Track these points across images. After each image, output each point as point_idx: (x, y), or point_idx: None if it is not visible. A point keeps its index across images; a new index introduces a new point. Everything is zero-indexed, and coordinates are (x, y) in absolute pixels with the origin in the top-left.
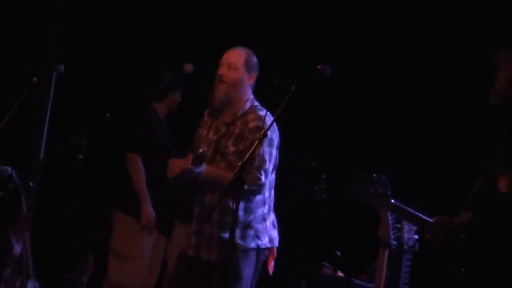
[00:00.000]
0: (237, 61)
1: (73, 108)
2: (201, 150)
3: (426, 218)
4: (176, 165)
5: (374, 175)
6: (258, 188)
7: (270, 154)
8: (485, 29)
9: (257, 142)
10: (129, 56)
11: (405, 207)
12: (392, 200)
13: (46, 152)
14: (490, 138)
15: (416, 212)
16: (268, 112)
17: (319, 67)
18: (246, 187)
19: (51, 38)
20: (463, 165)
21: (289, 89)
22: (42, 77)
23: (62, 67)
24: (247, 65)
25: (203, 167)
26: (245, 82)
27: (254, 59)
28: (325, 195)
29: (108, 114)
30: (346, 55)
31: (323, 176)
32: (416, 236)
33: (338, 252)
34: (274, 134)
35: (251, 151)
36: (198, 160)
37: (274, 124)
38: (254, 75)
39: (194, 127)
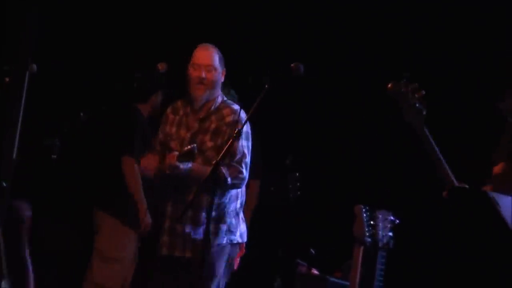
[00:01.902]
0: (213, 62)
1: (46, 108)
2: (189, 147)
3: (451, 174)
4: (151, 163)
5: (417, 83)
6: (241, 181)
7: (248, 147)
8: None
9: (231, 138)
10: (103, 56)
11: (436, 147)
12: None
13: (19, 152)
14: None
15: (444, 161)
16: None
17: (292, 65)
18: (229, 181)
19: (23, 38)
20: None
21: (263, 87)
22: (14, 77)
23: (35, 66)
24: (221, 63)
25: (191, 164)
26: (220, 79)
27: (221, 54)
28: (299, 193)
29: (82, 114)
30: (319, 53)
31: (297, 174)
32: (390, 234)
33: (312, 250)
34: (248, 128)
35: (226, 147)
36: (187, 156)
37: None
38: (225, 70)
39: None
